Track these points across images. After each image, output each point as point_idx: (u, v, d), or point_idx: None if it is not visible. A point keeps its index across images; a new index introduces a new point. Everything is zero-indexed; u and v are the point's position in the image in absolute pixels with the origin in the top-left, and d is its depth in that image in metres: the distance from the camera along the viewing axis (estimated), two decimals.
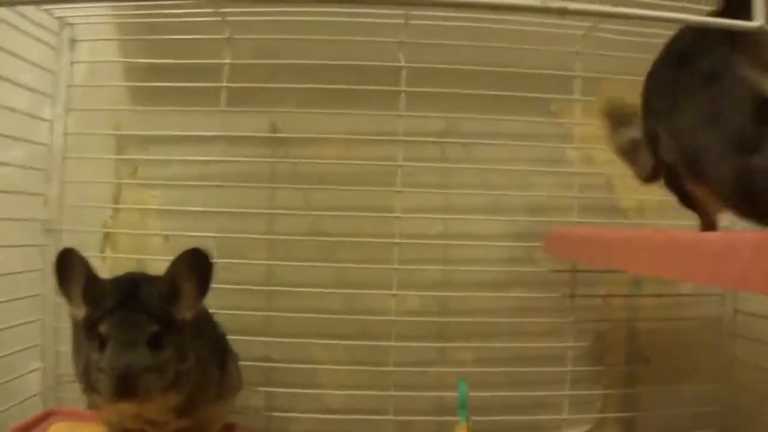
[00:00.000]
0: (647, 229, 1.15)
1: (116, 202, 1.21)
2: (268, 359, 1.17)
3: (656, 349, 1.23)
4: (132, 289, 0.81)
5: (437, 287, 1.20)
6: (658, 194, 1.19)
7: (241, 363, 1.03)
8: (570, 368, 1.17)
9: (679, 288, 1.23)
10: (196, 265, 0.82)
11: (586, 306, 1.20)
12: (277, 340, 1.16)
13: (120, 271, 0.93)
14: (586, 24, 1.13)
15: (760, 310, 1.15)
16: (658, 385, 1.21)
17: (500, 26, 1.14)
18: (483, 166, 1.20)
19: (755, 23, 0.39)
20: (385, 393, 1.13)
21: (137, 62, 1.20)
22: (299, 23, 1.14)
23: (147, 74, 1.19)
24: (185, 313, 0.83)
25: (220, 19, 1.14)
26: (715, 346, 1.20)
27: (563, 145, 1.21)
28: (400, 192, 1.13)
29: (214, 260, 0.84)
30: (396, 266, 1.13)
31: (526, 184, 1.20)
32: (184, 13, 1.11)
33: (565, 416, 1.17)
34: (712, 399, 1.18)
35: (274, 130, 1.19)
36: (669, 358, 1.22)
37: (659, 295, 1.23)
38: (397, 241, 1.13)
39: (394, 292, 1.13)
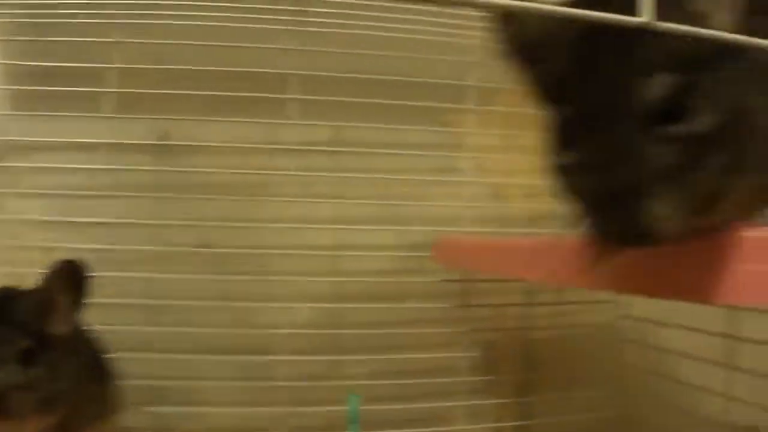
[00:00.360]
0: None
1: None
2: (153, 377, 1.12)
3: (550, 358, 1.25)
4: (2, 302, 0.77)
5: (328, 299, 1.18)
6: (549, 203, 1.21)
7: (123, 381, 0.99)
8: (464, 379, 1.16)
9: (572, 295, 1.24)
10: (71, 278, 0.79)
11: (478, 316, 1.20)
12: (163, 356, 1.11)
13: None
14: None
15: (649, 315, 1.19)
16: (553, 393, 1.22)
17: (393, 34, 1.14)
18: (374, 176, 1.19)
19: (641, 19, 0.39)
20: (275, 409, 1.10)
21: (18, 64, 1.14)
22: (190, 28, 1.11)
23: (30, 78, 1.14)
24: (60, 328, 0.79)
25: (108, 21, 1.10)
26: (607, 353, 1.21)
27: (455, 154, 1.20)
28: (289, 202, 1.11)
29: (94, 273, 0.79)
30: (285, 278, 1.10)
31: (418, 195, 1.20)
32: (70, 13, 1.07)
33: (460, 427, 1.17)
34: (604, 404, 1.20)
35: (163, 138, 1.15)
36: (563, 366, 1.23)
37: (551, 304, 1.24)
38: (286, 252, 1.10)
39: (283, 304, 1.10)
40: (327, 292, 1.18)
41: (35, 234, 1.12)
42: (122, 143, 1.13)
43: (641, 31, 0.41)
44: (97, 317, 0.94)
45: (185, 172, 1.15)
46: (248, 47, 1.12)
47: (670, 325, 1.14)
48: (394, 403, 1.14)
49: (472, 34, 1.15)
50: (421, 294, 1.19)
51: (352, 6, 1.14)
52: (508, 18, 0.52)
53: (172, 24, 1.10)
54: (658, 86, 0.43)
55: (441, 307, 1.18)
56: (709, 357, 1.01)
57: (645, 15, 0.41)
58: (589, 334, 1.24)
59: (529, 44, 0.51)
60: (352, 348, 1.18)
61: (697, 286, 0.45)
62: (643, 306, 1.21)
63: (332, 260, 1.19)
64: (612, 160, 0.44)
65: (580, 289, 1.22)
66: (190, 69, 1.12)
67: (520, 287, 1.24)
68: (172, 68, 1.12)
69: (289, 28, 1.12)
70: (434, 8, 1.11)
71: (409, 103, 1.15)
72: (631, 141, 0.43)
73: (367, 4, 1.14)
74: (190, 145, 1.16)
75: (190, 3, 1.10)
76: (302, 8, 1.11)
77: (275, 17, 1.12)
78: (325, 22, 1.13)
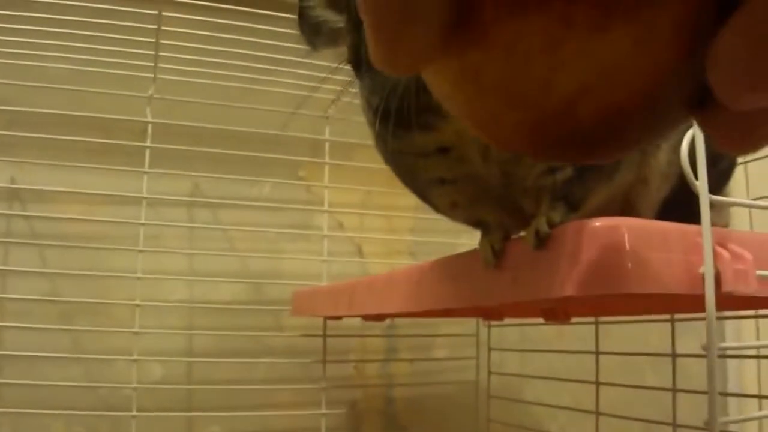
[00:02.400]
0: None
1: None
2: None
3: (414, 415, 1.25)
4: None
5: (182, 355, 1.17)
6: (406, 260, 1.23)
7: None
8: None
9: (434, 353, 1.25)
10: None
11: (338, 375, 1.19)
12: (8, 411, 1.08)
13: None
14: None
15: (512, 370, 1.24)
16: None
17: (251, 86, 1.15)
18: (229, 227, 1.18)
19: None
20: None
21: None
22: (42, 70, 1.11)
23: None
24: None
25: None
26: (471, 409, 1.22)
27: (312, 208, 1.21)
28: (141, 252, 1.09)
29: None
30: (136, 330, 1.08)
31: (274, 249, 1.19)
32: None
33: None
34: None
35: (12, 182, 1.12)
36: (428, 424, 1.23)
37: (413, 360, 1.26)
38: (137, 303, 1.08)
39: (134, 358, 1.07)
40: (181, 348, 1.17)
41: None
42: None
43: None
44: None
45: (34, 218, 1.12)
46: (106, 93, 1.12)
47: (535, 378, 1.17)
48: None
49: (328, 88, 1.16)
50: (279, 350, 1.19)
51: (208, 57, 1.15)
52: None
53: (27, 65, 1.10)
54: None
55: (299, 363, 1.18)
56: (577, 406, 1.05)
57: None
58: (453, 392, 1.25)
59: None
60: (207, 406, 1.18)
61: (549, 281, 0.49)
62: (507, 361, 1.25)
63: (187, 314, 1.17)
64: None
65: (442, 348, 1.24)
66: (48, 113, 1.11)
67: (381, 344, 1.24)
68: (25, 110, 1.11)
69: (148, 75, 1.11)
70: (293, 63, 1.12)
71: (267, 155, 1.15)
72: None
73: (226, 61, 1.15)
74: (40, 191, 1.13)
75: (48, 42, 1.10)
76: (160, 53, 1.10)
77: (135, 62, 1.11)
78: (182, 69, 1.13)
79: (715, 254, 0.49)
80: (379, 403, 1.27)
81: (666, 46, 0.20)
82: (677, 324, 0.94)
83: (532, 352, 1.24)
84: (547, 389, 1.25)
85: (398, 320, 1.26)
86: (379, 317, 0.98)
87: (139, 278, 1.11)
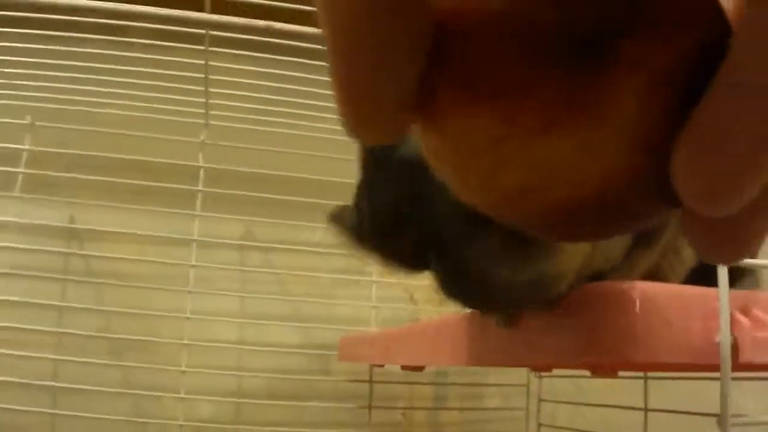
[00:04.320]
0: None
1: None
2: None
3: None
4: None
5: (231, 395, 1.18)
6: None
7: None
8: None
9: (484, 402, 1.23)
10: None
11: (386, 421, 1.18)
12: None
13: None
14: None
15: (563, 423, 1.20)
16: None
17: (298, 132, 1.16)
18: (281, 271, 1.19)
19: None
20: None
21: None
22: (100, 115, 1.15)
23: None
24: None
25: (22, 103, 1.15)
26: None
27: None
28: (190, 293, 1.11)
29: None
30: (183, 369, 1.09)
31: (325, 294, 1.20)
32: None
33: None
34: None
35: (71, 222, 1.16)
36: None
37: (462, 409, 1.22)
38: (185, 342, 1.10)
39: (181, 396, 1.08)
40: (229, 388, 1.17)
41: None
42: (30, 224, 1.14)
43: None
44: None
45: (91, 256, 1.15)
46: (161, 138, 1.15)
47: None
48: None
49: None
50: (327, 395, 1.18)
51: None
52: None
53: (87, 111, 1.14)
54: None
55: (347, 408, 1.17)
56: None
57: None
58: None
59: None
60: None
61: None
62: (559, 413, 1.22)
63: (236, 355, 1.17)
64: None
65: (494, 397, 1.22)
66: (105, 156, 1.14)
67: (430, 392, 1.22)
68: (84, 154, 1.15)
69: (199, 121, 1.14)
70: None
71: (318, 201, 1.16)
72: None
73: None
74: (97, 231, 1.17)
75: (104, 90, 1.15)
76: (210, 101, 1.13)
77: (188, 109, 1.14)
78: (232, 116, 1.16)
79: (733, 320, 0.47)
80: None
81: (615, 156, 0.20)
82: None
83: (585, 405, 1.21)
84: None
85: (448, 368, 1.24)
86: (417, 368, 0.97)
87: (188, 318, 1.13)
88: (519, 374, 1.23)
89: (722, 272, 0.48)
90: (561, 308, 0.48)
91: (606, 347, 0.45)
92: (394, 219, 0.48)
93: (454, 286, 0.50)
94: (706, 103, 0.18)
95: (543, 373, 1.18)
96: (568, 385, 1.24)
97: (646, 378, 1.02)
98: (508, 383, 1.24)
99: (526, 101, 0.19)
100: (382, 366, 1.09)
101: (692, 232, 0.21)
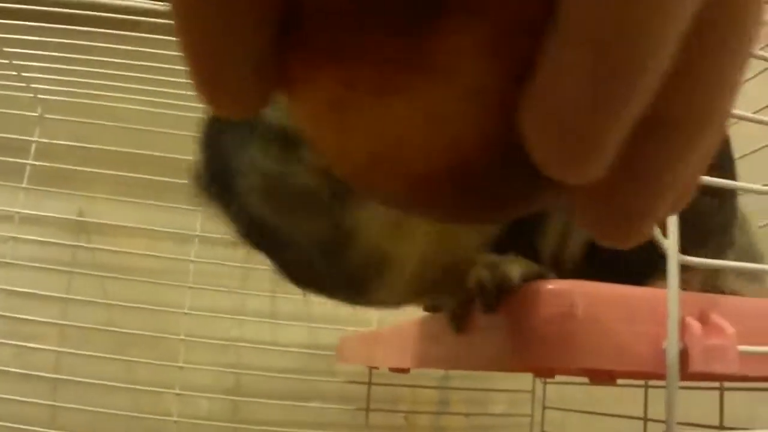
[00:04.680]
0: None
1: None
2: None
3: None
4: None
5: (228, 392, 1.17)
6: None
7: None
8: None
9: (490, 407, 1.20)
10: None
11: (387, 424, 1.17)
12: None
13: None
14: None
15: (570, 431, 1.18)
16: None
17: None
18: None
19: None
20: None
21: None
22: (110, 109, 1.16)
23: None
24: None
25: (32, 95, 1.16)
26: None
27: None
28: (190, 288, 1.11)
29: None
30: (180, 364, 1.08)
31: None
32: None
33: None
34: None
35: (79, 215, 1.17)
36: None
37: (468, 414, 1.20)
38: (182, 337, 1.09)
39: (177, 392, 1.08)
40: (227, 385, 1.17)
41: None
42: (38, 215, 1.16)
43: None
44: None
45: (98, 249, 1.16)
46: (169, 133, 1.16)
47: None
48: None
49: None
50: (328, 395, 1.17)
51: None
52: None
53: (100, 105, 1.16)
54: None
55: (347, 410, 1.17)
56: None
57: None
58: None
59: None
60: None
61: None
62: (569, 420, 1.19)
63: (235, 352, 1.17)
64: None
65: (500, 403, 1.20)
66: (112, 150, 1.15)
67: (433, 396, 1.21)
68: (96, 147, 1.17)
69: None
70: None
71: None
72: None
73: None
74: (105, 224, 1.18)
75: (115, 84, 1.15)
76: None
77: (198, 105, 1.13)
78: None
79: (684, 326, 0.44)
80: None
81: (463, 122, 0.18)
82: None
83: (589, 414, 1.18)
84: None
85: (452, 371, 1.22)
86: (402, 370, 0.95)
87: (185, 313, 1.13)
88: (525, 380, 1.21)
89: (672, 271, 0.45)
90: (502, 310, 0.46)
91: (544, 352, 0.43)
92: (221, 190, 0.48)
93: (275, 260, 0.51)
94: (540, 60, 0.17)
95: (548, 380, 1.15)
96: (580, 392, 1.21)
97: (646, 387, 0.99)
98: (514, 389, 1.22)
99: (364, 63, 0.18)
100: (377, 368, 1.07)
101: (577, 209, 0.20)
